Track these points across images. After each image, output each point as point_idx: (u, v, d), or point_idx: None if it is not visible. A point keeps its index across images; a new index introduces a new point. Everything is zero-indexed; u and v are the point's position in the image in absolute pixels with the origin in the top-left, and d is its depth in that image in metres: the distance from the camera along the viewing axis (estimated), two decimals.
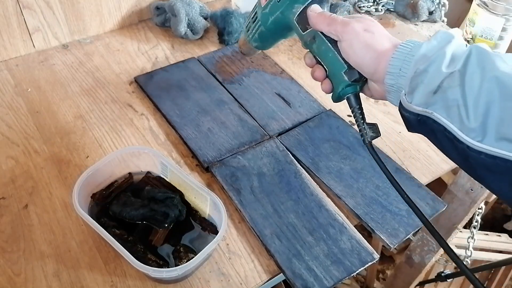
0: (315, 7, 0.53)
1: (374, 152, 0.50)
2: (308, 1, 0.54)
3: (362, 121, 0.50)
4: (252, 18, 0.62)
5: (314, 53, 0.53)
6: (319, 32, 0.51)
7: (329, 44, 0.50)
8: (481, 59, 0.39)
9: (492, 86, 0.37)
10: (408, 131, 0.47)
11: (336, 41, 0.50)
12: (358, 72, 0.49)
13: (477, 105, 0.37)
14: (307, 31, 0.53)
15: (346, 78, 0.50)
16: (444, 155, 0.45)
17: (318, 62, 0.53)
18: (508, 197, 0.39)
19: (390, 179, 0.47)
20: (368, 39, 0.47)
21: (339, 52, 0.50)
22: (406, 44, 0.45)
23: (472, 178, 0.79)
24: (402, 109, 0.45)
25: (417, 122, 0.44)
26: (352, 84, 0.50)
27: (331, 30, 0.50)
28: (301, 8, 0.54)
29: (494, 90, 0.37)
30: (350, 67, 0.49)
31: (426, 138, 0.46)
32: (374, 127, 0.50)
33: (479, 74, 0.38)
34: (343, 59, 0.50)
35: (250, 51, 0.68)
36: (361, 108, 0.51)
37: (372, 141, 0.50)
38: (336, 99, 0.53)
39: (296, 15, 0.55)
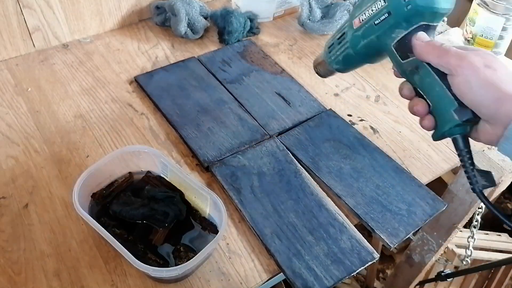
0: (422, 35, 0.46)
1: (488, 202, 0.44)
2: (413, 27, 0.46)
3: (471, 167, 0.45)
4: (338, 38, 0.54)
5: (415, 84, 0.47)
6: (424, 63, 0.45)
7: (437, 77, 0.44)
8: None
9: None
10: None
11: (446, 74, 0.44)
12: (472, 112, 0.43)
13: None
14: (408, 59, 0.47)
15: (456, 117, 0.43)
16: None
17: (419, 95, 0.47)
18: None
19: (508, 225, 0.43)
20: (490, 76, 0.41)
21: (448, 87, 0.43)
22: None
23: None
24: None
25: None
26: (463, 124, 0.44)
27: (442, 63, 0.43)
28: (403, 34, 0.46)
29: None
30: (461, 104, 0.43)
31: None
32: (488, 176, 0.45)
33: None
34: (454, 95, 0.43)
35: (327, 73, 0.60)
36: (470, 152, 0.45)
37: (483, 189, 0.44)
38: (439, 137, 0.47)
39: (395, 41, 0.47)
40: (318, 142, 0.73)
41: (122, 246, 0.51)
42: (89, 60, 0.89)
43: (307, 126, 0.76)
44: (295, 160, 0.70)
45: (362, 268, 0.58)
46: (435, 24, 0.46)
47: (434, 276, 1.28)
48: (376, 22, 0.47)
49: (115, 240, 0.52)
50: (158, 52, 0.92)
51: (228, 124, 0.76)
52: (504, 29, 0.85)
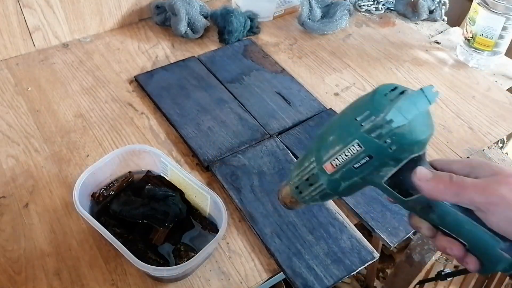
0: (422, 172, 0.37)
1: None
2: (403, 163, 0.38)
3: None
4: (307, 180, 0.42)
5: (434, 222, 0.39)
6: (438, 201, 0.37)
7: (463, 215, 0.36)
8: None
9: None
10: None
11: (470, 209, 0.36)
12: None
13: None
14: (413, 197, 0.38)
15: (507, 255, 0.36)
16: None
17: (445, 234, 0.39)
18: None
19: None
20: None
21: (482, 223, 0.36)
22: None
23: None
24: None
25: None
26: None
27: (464, 201, 0.36)
28: (394, 172, 0.38)
29: None
30: (505, 239, 0.36)
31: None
32: None
33: None
34: (492, 230, 0.36)
35: (298, 206, 0.47)
36: None
37: None
38: (491, 272, 0.41)
39: (386, 179, 0.39)
40: None
41: (122, 246, 0.51)
42: (89, 59, 0.89)
43: (307, 126, 0.76)
44: (295, 159, 0.70)
45: (362, 267, 0.58)
46: (424, 151, 0.38)
47: (434, 276, 1.28)
48: (355, 165, 0.38)
49: (115, 239, 0.52)
50: (158, 51, 0.92)
51: (228, 124, 0.76)
52: (504, 28, 0.85)
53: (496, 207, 0.34)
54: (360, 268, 0.58)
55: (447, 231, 0.38)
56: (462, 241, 0.37)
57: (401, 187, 0.39)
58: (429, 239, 0.40)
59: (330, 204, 0.64)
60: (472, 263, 0.38)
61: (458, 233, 0.37)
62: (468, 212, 0.36)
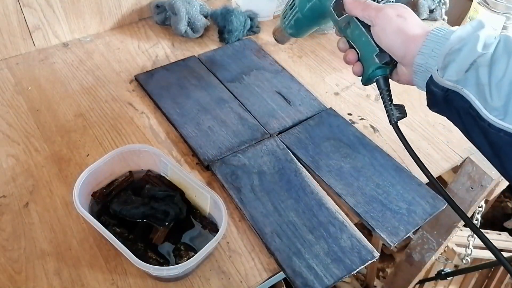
0: None
1: (400, 133, 0.52)
2: None
3: (389, 102, 0.53)
4: (290, 5, 0.65)
5: (348, 37, 0.56)
6: (354, 18, 0.54)
7: (363, 29, 0.53)
8: (509, 46, 0.43)
9: None
10: (430, 109, 0.50)
11: (369, 26, 0.53)
12: (389, 55, 0.52)
13: (500, 87, 0.41)
14: (342, 17, 0.56)
15: (377, 60, 0.52)
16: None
17: (351, 47, 0.56)
18: None
19: (415, 160, 0.51)
20: (400, 24, 0.50)
21: (371, 36, 0.52)
22: (440, 29, 0.48)
23: (471, 177, 0.80)
24: (432, 84, 0.47)
25: (443, 99, 0.47)
26: (383, 66, 0.53)
27: (365, 15, 0.52)
28: None
29: None
30: (381, 50, 0.52)
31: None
32: (401, 108, 0.53)
33: (506, 59, 0.42)
34: (375, 43, 0.52)
35: (283, 39, 0.72)
36: (389, 90, 0.54)
37: (398, 121, 0.53)
38: (366, 81, 0.56)
39: (333, 2, 0.57)
40: (318, 141, 0.73)
41: (122, 245, 0.51)
42: (89, 59, 0.89)
43: (307, 125, 0.76)
44: (295, 159, 0.70)
45: (362, 266, 0.58)
46: None
47: (434, 275, 1.28)
48: None
49: (115, 239, 0.52)
50: (158, 51, 0.92)
51: (228, 123, 0.76)
52: (504, 27, 0.85)
53: (380, 20, 0.51)
54: (360, 268, 0.58)
55: (352, 43, 0.56)
56: (357, 50, 0.55)
57: (339, 9, 0.56)
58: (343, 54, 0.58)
59: (330, 203, 0.64)
60: (358, 68, 0.56)
61: (357, 43, 0.55)
62: (367, 28, 0.53)
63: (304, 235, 0.60)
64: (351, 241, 0.60)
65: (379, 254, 0.60)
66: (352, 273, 0.57)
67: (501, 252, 0.48)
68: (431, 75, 0.47)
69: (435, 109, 0.50)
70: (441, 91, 0.46)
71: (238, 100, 0.81)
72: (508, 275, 1.36)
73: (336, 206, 0.64)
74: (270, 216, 0.62)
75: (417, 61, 0.48)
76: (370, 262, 0.58)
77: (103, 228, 0.53)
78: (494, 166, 0.46)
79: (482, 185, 0.81)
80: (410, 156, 0.50)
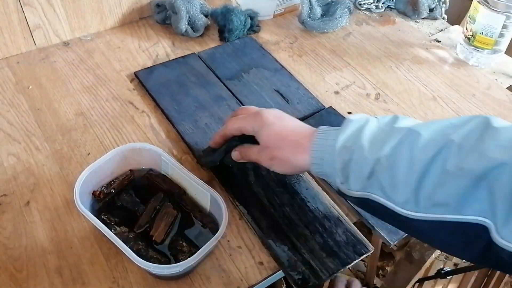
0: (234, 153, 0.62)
1: None
2: None
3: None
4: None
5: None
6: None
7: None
8: (407, 140, 0.44)
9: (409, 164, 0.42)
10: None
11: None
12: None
13: (406, 184, 0.42)
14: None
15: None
16: None
17: None
18: (457, 252, 0.47)
19: None
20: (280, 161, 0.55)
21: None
22: (321, 132, 0.51)
23: None
24: (342, 195, 0.50)
25: (359, 203, 0.48)
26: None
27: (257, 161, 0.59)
28: None
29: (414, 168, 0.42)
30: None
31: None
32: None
33: (406, 154, 0.43)
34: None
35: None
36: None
37: None
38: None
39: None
40: None
41: (123, 244, 0.52)
42: (90, 58, 0.89)
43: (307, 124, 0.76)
44: None
45: (357, 260, 0.58)
46: None
47: (433, 274, 1.29)
48: None
49: (116, 237, 0.52)
50: (158, 50, 0.92)
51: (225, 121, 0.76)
52: (504, 27, 0.85)
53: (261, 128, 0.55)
54: (355, 261, 0.58)
55: None
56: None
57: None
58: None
59: (325, 198, 0.65)
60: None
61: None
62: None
63: (299, 230, 0.61)
64: (346, 236, 0.61)
65: (373, 248, 0.60)
66: (347, 266, 0.58)
67: None
68: (338, 188, 0.49)
69: (358, 208, 0.53)
70: (353, 199, 0.48)
71: (236, 97, 0.81)
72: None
73: (331, 200, 0.65)
74: (266, 211, 0.63)
75: (315, 171, 0.51)
76: (364, 255, 0.59)
77: (104, 226, 0.53)
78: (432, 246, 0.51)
79: None
80: None
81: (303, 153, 0.51)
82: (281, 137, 0.53)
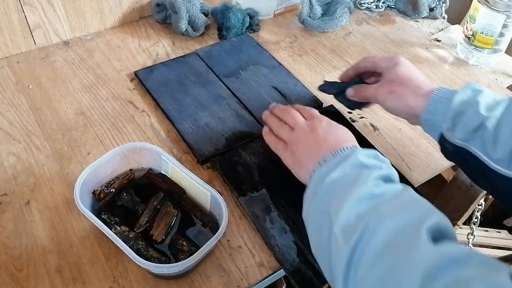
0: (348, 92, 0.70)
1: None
2: None
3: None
4: None
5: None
6: None
7: None
8: None
9: None
10: (446, 158, 0.59)
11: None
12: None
13: (506, 144, 0.49)
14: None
15: None
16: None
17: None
18: None
19: None
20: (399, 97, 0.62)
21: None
22: (441, 89, 0.58)
23: None
24: (444, 141, 0.56)
25: (454, 153, 0.54)
26: None
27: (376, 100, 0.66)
28: None
29: None
30: None
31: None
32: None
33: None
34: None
35: None
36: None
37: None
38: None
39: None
40: None
41: (123, 243, 0.52)
42: (90, 57, 0.89)
43: None
44: None
45: None
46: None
47: None
48: None
49: (116, 237, 0.52)
50: (158, 49, 0.92)
51: (225, 120, 0.76)
52: (504, 26, 0.85)
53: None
54: None
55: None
56: None
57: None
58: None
59: None
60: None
61: None
62: None
63: (303, 231, 0.60)
64: None
65: None
66: None
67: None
68: (442, 134, 0.55)
69: (449, 159, 0.59)
70: (452, 147, 0.54)
71: (235, 96, 0.81)
72: None
73: None
74: (270, 212, 0.63)
75: (424, 117, 0.58)
76: None
77: (104, 226, 0.53)
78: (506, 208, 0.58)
79: None
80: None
81: (420, 97, 0.58)
82: (408, 77, 0.60)
